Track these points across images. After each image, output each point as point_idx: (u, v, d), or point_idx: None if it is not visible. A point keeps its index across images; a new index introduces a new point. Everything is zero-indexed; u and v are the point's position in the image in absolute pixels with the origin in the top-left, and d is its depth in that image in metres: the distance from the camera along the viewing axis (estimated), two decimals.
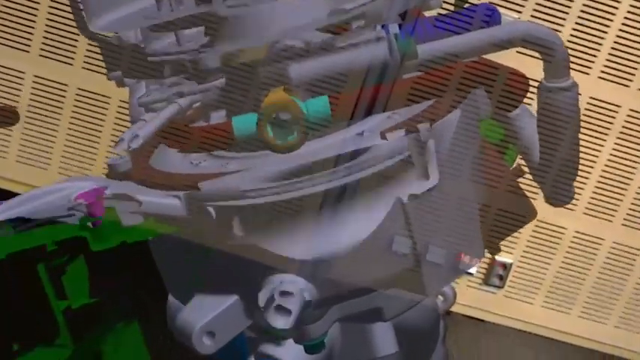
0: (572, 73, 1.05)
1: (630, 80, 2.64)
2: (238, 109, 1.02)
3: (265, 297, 0.96)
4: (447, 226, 1.03)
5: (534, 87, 1.07)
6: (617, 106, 2.68)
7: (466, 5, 1.08)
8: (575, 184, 1.18)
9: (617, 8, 2.58)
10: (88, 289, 1.18)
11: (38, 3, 2.60)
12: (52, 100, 2.69)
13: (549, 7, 2.54)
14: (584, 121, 1.20)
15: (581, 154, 1.12)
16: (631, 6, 2.59)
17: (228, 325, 1.05)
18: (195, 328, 1.01)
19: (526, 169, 1.16)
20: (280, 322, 0.95)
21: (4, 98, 2.69)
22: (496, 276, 2.86)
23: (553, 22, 2.54)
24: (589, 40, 2.58)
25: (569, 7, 2.53)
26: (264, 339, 1.13)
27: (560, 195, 1.14)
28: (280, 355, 1.11)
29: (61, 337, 1.20)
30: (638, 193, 2.78)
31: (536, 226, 2.82)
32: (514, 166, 1.16)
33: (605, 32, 2.60)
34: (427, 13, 1.10)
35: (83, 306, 1.18)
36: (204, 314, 1.02)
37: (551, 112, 1.03)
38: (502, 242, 1.18)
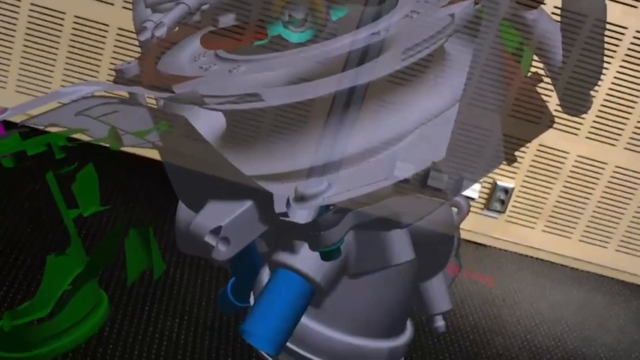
0: None
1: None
2: (246, 12, 1.02)
3: (283, 198, 0.96)
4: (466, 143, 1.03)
5: None
6: (624, 27, 2.65)
7: None
8: None
9: None
10: (98, 197, 1.17)
11: None
12: (50, 28, 2.67)
13: None
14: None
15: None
16: None
17: (243, 230, 1.05)
18: (208, 232, 1.01)
19: (544, 77, 1.14)
20: (301, 216, 0.95)
21: (3, 28, 2.66)
22: (497, 201, 2.87)
23: None
24: None
25: None
26: (280, 247, 1.13)
27: (579, 103, 1.12)
28: (295, 262, 1.11)
29: (73, 247, 1.21)
30: None
31: (538, 150, 2.81)
32: (530, 73, 1.14)
33: None
34: None
35: (94, 214, 1.18)
36: (218, 219, 1.02)
37: (576, 11, 1.01)
38: (504, 166, 1.18)
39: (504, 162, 1.16)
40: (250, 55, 1.04)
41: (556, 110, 1.20)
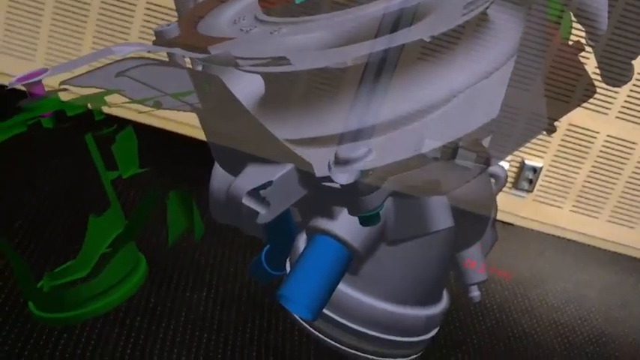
0: None
1: None
2: None
3: (324, 162, 0.96)
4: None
5: None
6: None
7: None
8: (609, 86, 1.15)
9: None
10: (137, 159, 1.18)
11: None
12: None
13: None
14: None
15: None
16: None
17: (283, 193, 1.06)
18: (246, 193, 1.01)
19: (585, 45, 1.12)
20: (343, 177, 0.95)
21: None
22: (525, 180, 2.85)
23: None
24: None
25: None
26: (317, 213, 1.13)
27: (620, 72, 1.11)
28: (333, 228, 1.11)
29: (112, 209, 1.21)
30: None
31: (568, 130, 2.79)
32: (572, 42, 1.13)
33: None
34: None
35: (133, 176, 1.18)
36: (258, 181, 1.02)
37: None
38: (533, 145, 1.17)
39: (544, 132, 1.15)
40: (290, 16, 1.03)
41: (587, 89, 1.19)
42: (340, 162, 0.95)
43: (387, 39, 0.95)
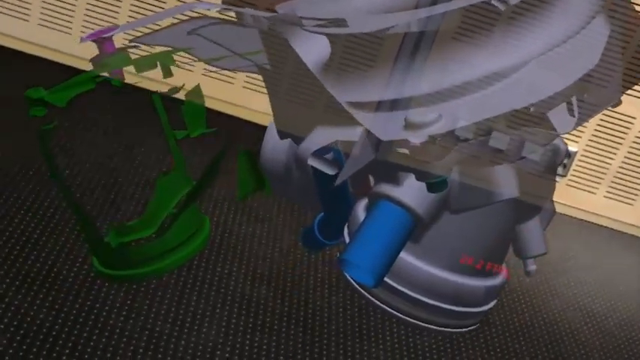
0: None
1: None
2: None
3: (395, 125, 0.96)
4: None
5: None
6: None
7: None
8: None
9: None
10: (205, 118, 1.18)
11: None
12: None
13: None
14: None
15: None
16: None
17: (353, 156, 1.06)
18: (312, 154, 1.01)
19: None
20: (415, 138, 0.95)
21: None
22: (560, 164, 2.83)
23: None
24: None
25: None
26: (382, 179, 1.12)
27: None
28: (398, 194, 1.10)
29: (177, 168, 1.22)
30: None
31: (603, 114, 2.76)
32: None
33: None
34: None
35: (201, 135, 1.19)
36: (324, 142, 1.01)
37: None
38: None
39: (614, 104, 1.14)
40: None
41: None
42: (410, 126, 0.94)
43: (446, 5, 0.94)
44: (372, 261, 1.09)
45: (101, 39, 1.04)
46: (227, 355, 1.79)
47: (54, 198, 2.07)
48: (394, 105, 0.98)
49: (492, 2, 0.96)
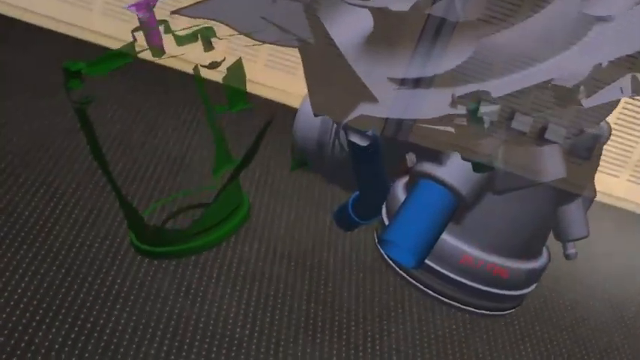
0: None
1: None
2: None
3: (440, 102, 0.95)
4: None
5: None
6: None
7: None
8: None
9: None
10: (246, 93, 1.15)
11: None
12: None
13: None
14: None
15: None
16: None
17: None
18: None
19: None
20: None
21: None
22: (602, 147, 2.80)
23: None
24: None
25: None
26: (424, 158, 1.10)
27: None
28: (441, 173, 1.08)
29: (217, 145, 1.20)
30: None
31: (629, 97, 2.73)
32: None
33: None
34: None
35: (242, 110, 1.16)
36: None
37: None
38: None
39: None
40: None
41: None
42: (458, 103, 0.93)
43: None
44: (413, 241, 1.06)
45: (144, 8, 1.03)
46: (247, 332, 1.79)
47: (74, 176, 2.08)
48: (419, 82, 0.97)
49: None
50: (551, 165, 1.11)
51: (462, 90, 0.98)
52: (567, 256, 1.28)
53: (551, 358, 2.06)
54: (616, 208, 2.88)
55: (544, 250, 1.26)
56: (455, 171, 1.06)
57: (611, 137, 2.64)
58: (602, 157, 2.86)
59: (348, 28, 1.02)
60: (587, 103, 1.04)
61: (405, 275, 1.18)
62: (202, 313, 1.80)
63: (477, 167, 1.02)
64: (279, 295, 1.93)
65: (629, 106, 2.76)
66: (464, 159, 1.02)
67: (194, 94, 1.21)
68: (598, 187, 2.89)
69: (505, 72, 0.98)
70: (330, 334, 1.86)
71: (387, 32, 1.00)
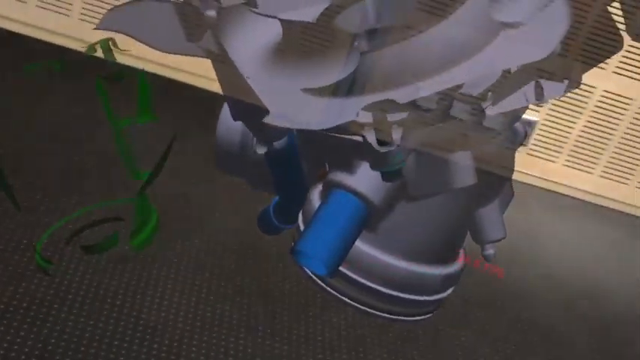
0: None
1: None
2: None
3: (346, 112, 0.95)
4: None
5: None
6: None
7: None
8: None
9: None
10: (151, 105, 1.14)
11: None
12: None
13: None
14: None
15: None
16: None
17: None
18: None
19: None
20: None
21: None
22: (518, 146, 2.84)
23: None
24: None
25: None
26: (336, 167, 1.10)
27: None
28: (352, 183, 1.08)
29: (124, 159, 1.19)
30: None
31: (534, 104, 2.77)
32: None
33: None
34: None
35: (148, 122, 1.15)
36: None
37: None
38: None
39: (572, 89, 1.13)
40: None
41: (583, 44, 1.16)
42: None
43: None
44: (325, 251, 1.07)
45: None
46: (188, 327, 1.78)
47: None
48: (329, 91, 0.97)
49: None
50: (462, 171, 1.12)
51: (369, 99, 0.97)
52: (486, 257, 1.30)
53: (494, 341, 2.08)
54: (554, 193, 2.93)
55: (461, 252, 1.27)
56: (366, 179, 1.07)
57: (549, 123, 2.67)
58: (540, 143, 2.89)
59: (253, 41, 1.02)
60: (492, 110, 1.05)
61: (321, 284, 1.19)
62: (144, 306, 1.78)
63: (386, 176, 1.02)
64: (220, 287, 1.92)
65: (566, 93, 2.80)
66: (373, 169, 1.02)
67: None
68: (536, 172, 2.92)
69: (415, 78, 0.99)
70: (272, 326, 1.86)
71: (297, 43, 0.99)
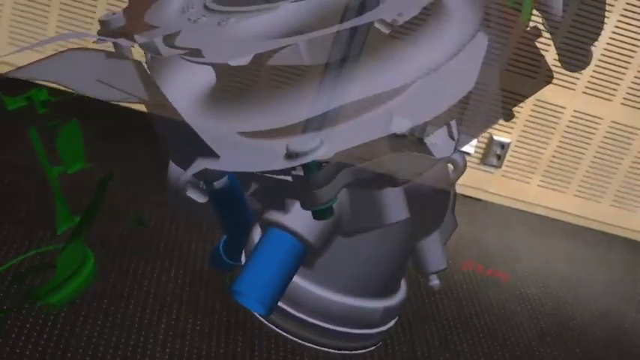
0: None
1: None
2: None
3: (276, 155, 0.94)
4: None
5: None
6: None
7: None
8: None
9: None
10: (83, 153, 1.15)
11: None
12: None
13: None
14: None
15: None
16: None
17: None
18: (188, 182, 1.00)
19: (543, 31, 1.12)
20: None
21: None
22: (494, 155, 2.87)
23: None
24: None
25: None
26: (271, 206, 1.11)
27: (578, 58, 1.10)
28: (286, 221, 1.09)
29: (58, 205, 1.19)
30: (638, 71, 2.75)
31: (535, 105, 2.80)
32: (530, 27, 1.12)
33: None
34: None
35: (79, 171, 1.16)
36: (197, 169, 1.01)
37: None
38: (501, 121, 1.16)
39: (502, 118, 1.14)
40: (241, 5, 1.01)
41: (553, 65, 1.18)
42: (289, 156, 0.93)
43: (352, 22, 0.94)
44: (261, 291, 1.08)
45: None
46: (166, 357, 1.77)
47: None
48: (263, 133, 0.97)
49: (376, 25, 0.95)
50: (394, 207, 1.14)
51: (295, 141, 0.97)
52: (432, 287, 1.31)
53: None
54: (528, 213, 2.94)
55: (402, 284, 1.28)
56: (301, 218, 1.08)
57: (522, 144, 2.70)
58: (513, 164, 2.91)
59: (190, 85, 1.02)
60: (428, 140, 1.07)
61: (264, 320, 1.19)
62: (120, 341, 1.77)
63: (317, 215, 1.03)
64: (197, 320, 1.91)
65: (537, 114, 2.83)
66: (303, 208, 1.03)
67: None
68: (510, 194, 2.94)
69: (344, 119, 0.99)
70: (251, 357, 1.86)
71: (231, 85, 1.00)
